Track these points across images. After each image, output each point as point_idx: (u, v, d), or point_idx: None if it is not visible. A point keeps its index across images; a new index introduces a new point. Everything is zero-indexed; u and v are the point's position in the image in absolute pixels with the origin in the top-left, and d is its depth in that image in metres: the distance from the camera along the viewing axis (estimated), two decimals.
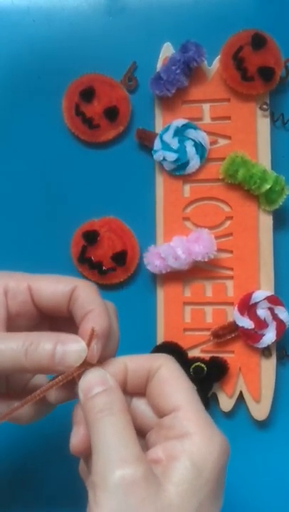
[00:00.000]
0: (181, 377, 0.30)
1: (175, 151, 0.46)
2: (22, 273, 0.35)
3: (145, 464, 0.27)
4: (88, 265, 0.48)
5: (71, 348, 0.31)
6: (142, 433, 0.31)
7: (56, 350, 0.30)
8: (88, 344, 0.31)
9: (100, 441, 0.27)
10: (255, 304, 0.46)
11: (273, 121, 0.47)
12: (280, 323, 0.46)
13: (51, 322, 0.36)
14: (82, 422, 0.30)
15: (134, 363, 0.31)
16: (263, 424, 0.47)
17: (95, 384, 0.30)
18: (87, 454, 0.29)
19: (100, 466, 0.27)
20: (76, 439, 0.31)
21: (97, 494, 0.26)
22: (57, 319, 0.35)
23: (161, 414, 0.30)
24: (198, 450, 0.27)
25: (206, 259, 0.45)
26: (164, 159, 0.47)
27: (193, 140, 0.47)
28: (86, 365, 0.31)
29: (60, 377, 0.31)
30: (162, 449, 0.28)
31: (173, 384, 0.30)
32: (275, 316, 0.46)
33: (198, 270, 0.47)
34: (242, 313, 0.46)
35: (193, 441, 0.28)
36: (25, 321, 0.34)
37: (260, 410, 0.46)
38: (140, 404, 0.32)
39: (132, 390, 0.32)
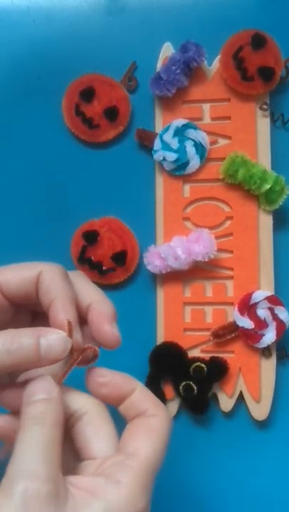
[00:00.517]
0: (161, 437, 0.30)
1: (175, 151, 0.46)
2: None
3: (56, 483, 0.26)
4: (88, 265, 0.48)
5: (54, 340, 0.31)
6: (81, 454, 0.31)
7: (40, 345, 0.30)
8: (70, 335, 0.31)
9: (20, 447, 0.27)
10: (255, 304, 0.46)
11: (273, 121, 0.47)
12: (280, 323, 0.46)
13: (31, 313, 0.36)
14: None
15: (139, 396, 0.31)
16: (263, 424, 0.47)
17: (39, 391, 0.30)
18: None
19: (11, 471, 0.26)
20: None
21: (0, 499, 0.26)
22: (36, 309, 0.35)
23: (118, 450, 0.30)
24: (118, 502, 0.26)
25: (206, 259, 0.45)
26: (164, 159, 0.47)
27: (193, 140, 0.47)
28: (79, 350, 0.32)
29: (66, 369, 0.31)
30: (89, 482, 0.27)
31: (150, 436, 0.29)
32: (275, 316, 0.46)
33: (198, 270, 0.47)
34: (242, 313, 0.46)
35: (119, 492, 0.27)
36: (2, 316, 0.34)
37: (260, 410, 0.46)
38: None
39: (122, 412, 0.31)
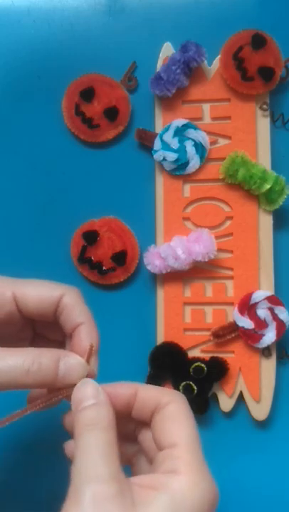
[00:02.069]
0: (186, 417, 0.30)
1: (175, 151, 0.46)
2: (5, 278, 0.34)
3: (120, 483, 0.27)
4: (88, 265, 0.48)
5: (73, 365, 0.31)
6: (149, 459, 0.32)
7: (59, 369, 0.31)
8: (88, 360, 0.32)
9: (81, 454, 0.28)
10: (255, 304, 0.46)
11: (273, 121, 0.47)
12: (280, 323, 0.46)
13: (34, 324, 0.36)
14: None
15: (145, 392, 0.32)
16: (263, 424, 0.47)
17: (87, 396, 0.30)
18: None
19: (75, 478, 0.27)
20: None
21: (68, 507, 0.26)
22: (41, 322, 0.35)
23: (160, 447, 0.30)
24: (181, 491, 0.27)
25: (206, 259, 0.45)
26: (164, 159, 0.47)
27: (193, 140, 0.47)
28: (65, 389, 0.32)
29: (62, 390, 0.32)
30: (150, 479, 0.28)
31: (176, 422, 0.30)
32: (275, 316, 0.46)
33: (198, 270, 0.47)
34: (242, 313, 0.46)
35: (178, 480, 0.27)
36: (10, 329, 0.35)
37: (260, 410, 0.46)
38: (149, 435, 0.32)
39: (137, 416, 0.32)
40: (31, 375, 0.30)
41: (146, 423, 0.32)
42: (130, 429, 0.33)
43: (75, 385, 0.31)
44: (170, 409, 0.30)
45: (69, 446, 0.32)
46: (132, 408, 0.32)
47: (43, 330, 0.36)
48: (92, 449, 0.28)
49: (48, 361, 0.31)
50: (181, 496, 0.27)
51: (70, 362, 0.31)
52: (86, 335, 0.33)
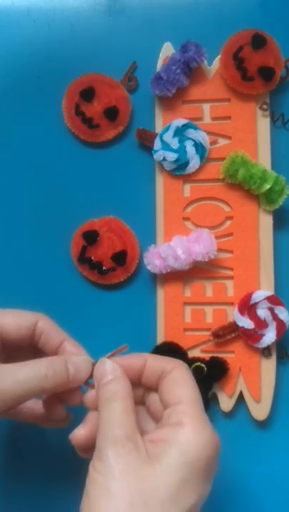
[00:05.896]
0: (188, 380, 0.35)
1: (175, 151, 0.47)
2: None
3: (134, 441, 0.32)
4: (88, 265, 0.48)
5: (79, 363, 0.37)
6: (156, 419, 0.37)
7: (69, 370, 0.36)
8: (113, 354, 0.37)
9: (102, 422, 0.33)
10: (255, 304, 0.46)
11: (273, 121, 0.47)
12: (280, 323, 0.46)
13: (6, 350, 0.40)
14: (90, 420, 0.36)
15: (152, 362, 0.36)
16: (263, 424, 0.47)
17: (106, 373, 0.35)
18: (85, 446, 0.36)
19: (99, 441, 0.33)
20: (80, 432, 0.36)
21: (95, 463, 0.32)
22: (13, 347, 0.40)
23: (166, 406, 0.34)
24: (187, 440, 0.32)
25: (206, 259, 0.45)
26: (164, 159, 0.47)
27: (193, 140, 0.47)
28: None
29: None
30: (159, 433, 0.33)
31: (180, 384, 0.35)
32: (275, 316, 0.46)
33: (198, 270, 0.47)
34: (242, 313, 0.46)
35: (184, 431, 0.32)
36: None
37: (260, 410, 0.46)
38: (156, 398, 0.36)
39: (146, 382, 0.36)
40: (50, 380, 0.35)
41: (153, 388, 0.36)
42: (139, 395, 0.37)
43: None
44: (174, 375, 0.35)
45: (87, 397, 0.37)
46: (142, 376, 0.36)
47: (14, 354, 0.40)
48: (110, 418, 0.33)
49: (59, 365, 0.36)
50: (187, 444, 0.31)
51: (76, 362, 0.37)
52: (74, 347, 0.39)
